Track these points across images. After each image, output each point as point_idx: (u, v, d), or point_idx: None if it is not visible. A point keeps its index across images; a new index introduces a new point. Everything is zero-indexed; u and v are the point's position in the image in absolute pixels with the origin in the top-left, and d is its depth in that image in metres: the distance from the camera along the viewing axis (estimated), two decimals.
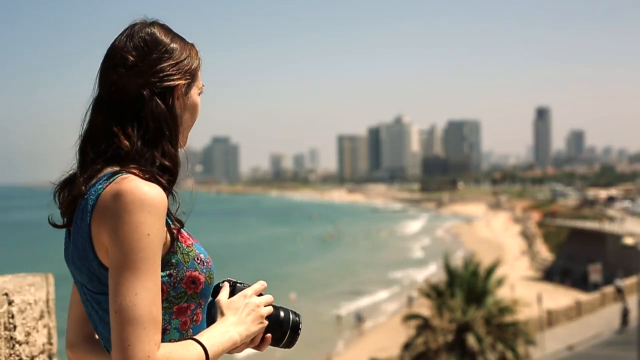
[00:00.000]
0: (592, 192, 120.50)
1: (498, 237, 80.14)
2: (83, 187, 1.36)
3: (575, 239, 55.31)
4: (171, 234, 1.36)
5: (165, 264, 1.34)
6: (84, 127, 1.45)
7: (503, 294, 25.28)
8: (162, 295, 1.33)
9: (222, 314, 1.45)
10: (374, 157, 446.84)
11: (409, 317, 22.91)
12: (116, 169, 1.36)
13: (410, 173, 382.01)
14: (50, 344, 2.48)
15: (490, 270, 23.00)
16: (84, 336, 1.55)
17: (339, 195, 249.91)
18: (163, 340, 1.32)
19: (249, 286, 1.53)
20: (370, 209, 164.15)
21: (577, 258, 50.97)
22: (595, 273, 42.17)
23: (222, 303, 1.47)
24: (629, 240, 45.20)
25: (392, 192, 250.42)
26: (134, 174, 1.33)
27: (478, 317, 21.13)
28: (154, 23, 1.47)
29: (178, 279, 1.36)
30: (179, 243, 1.38)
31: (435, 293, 22.59)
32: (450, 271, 23.10)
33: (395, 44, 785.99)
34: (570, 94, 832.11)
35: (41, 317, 2.40)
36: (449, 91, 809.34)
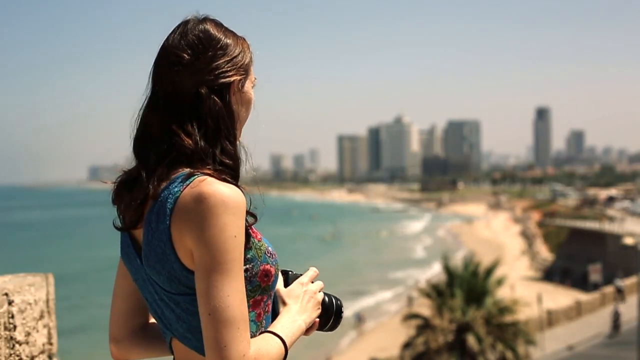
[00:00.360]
0: (592, 192, 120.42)
1: (498, 237, 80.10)
2: (155, 190, 1.34)
3: (575, 239, 55.28)
4: (246, 231, 1.38)
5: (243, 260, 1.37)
6: (138, 127, 1.43)
7: (503, 294, 25.26)
8: None
9: (284, 303, 1.49)
10: (374, 157, 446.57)
11: (409, 317, 22.90)
12: (188, 170, 1.35)
13: (410, 173, 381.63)
14: (50, 344, 2.48)
15: (490, 271, 22.98)
16: (129, 330, 1.57)
17: (339, 195, 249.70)
18: None
19: (301, 274, 1.57)
20: (370, 209, 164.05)
21: (577, 258, 50.94)
22: (595, 273, 42.14)
23: (282, 292, 1.50)
24: (629, 240, 45.17)
25: (392, 192, 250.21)
26: (209, 174, 1.33)
27: (478, 317, 21.13)
28: (206, 19, 1.47)
29: (254, 273, 1.39)
30: (252, 239, 1.40)
31: (436, 293, 22.58)
32: (449, 271, 23.09)
33: (395, 44, 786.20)
34: (570, 94, 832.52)
35: (41, 317, 2.40)
36: (449, 91, 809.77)
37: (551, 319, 31.63)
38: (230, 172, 1.39)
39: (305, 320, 1.47)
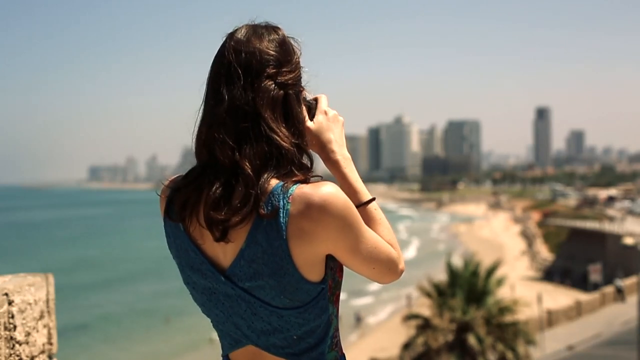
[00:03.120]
0: (592, 192, 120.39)
1: (498, 237, 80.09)
2: (262, 207, 1.32)
3: (575, 239, 55.29)
4: None
5: (328, 258, 1.40)
6: (225, 131, 1.36)
7: (503, 294, 25.25)
8: (329, 291, 1.41)
9: (328, 150, 1.54)
10: (374, 157, 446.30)
11: (409, 317, 22.87)
12: (282, 181, 1.34)
13: (410, 173, 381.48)
14: (50, 344, 2.47)
15: (491, 271, 22.97)
16: None
17: None
18: (329, 331, 1.43)
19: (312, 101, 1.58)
20: None
21: (577, 258, 50.95)
22: (595, 273, 42.17)
23: (317, 131, 1.53)
24: (629, 240, 45.21)
25: (392, 192, 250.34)
26: (301, 180, 1.35)
27: (478, 317, 21.12)
28: (278, 27, 1.49)
29: (335, 269, 1.43)
30: None
31: (436, 292, 22.56)
32: (452, 271, 23.08)
33: (395, 44, 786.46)
34: (570, 94, 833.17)
35: (41, 317, 2.40)
36: (449, 91, 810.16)
37: (551, 319, 31.62)
38: (311, 173, 1.42)
39: (345, 149, 1.57)
